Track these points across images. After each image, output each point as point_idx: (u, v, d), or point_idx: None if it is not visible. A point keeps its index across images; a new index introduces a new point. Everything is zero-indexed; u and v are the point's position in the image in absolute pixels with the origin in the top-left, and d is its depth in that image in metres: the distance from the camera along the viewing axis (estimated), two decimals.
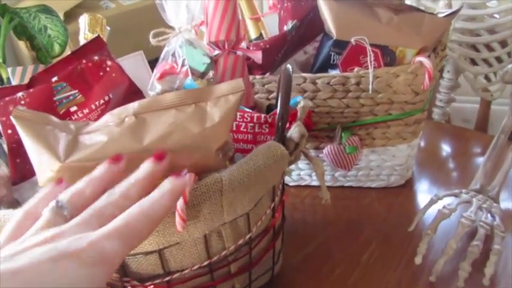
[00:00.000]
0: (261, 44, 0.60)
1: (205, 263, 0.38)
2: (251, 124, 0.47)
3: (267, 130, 0.47)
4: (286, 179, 0.65)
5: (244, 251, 0.41)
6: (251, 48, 0.60)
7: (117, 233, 0.26)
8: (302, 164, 0.66)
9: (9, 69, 0.53)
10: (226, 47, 0.48)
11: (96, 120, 0.37)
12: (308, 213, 0.63)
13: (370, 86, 0.54)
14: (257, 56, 0.51)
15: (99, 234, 0.25)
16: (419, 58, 0.54)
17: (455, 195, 0.55)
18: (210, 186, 0.34)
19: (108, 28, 0.57)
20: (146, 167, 0.30)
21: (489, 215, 0.52)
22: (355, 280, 0.50)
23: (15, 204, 0.41)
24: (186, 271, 0.38)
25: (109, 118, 0.35)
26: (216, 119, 0.35)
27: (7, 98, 0.42)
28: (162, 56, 0.50)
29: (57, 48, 0.67)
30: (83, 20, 0.55)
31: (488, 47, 0.82)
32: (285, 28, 0.62)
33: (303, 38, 0.64)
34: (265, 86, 0.58)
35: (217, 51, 0.49)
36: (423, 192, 0.65)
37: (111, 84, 0.44)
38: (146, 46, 0.51)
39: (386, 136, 0.61)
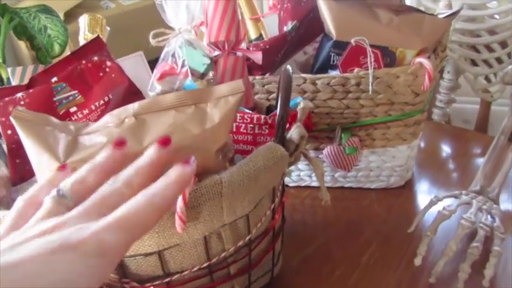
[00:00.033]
0: (261, 44, 0.60)
1: (205, 264, 0.38)
2: (251, 125, 0.47)
3: (267, 131, 0.47)
4: (286, 179, 0.65)
5: (243, 252, 0.41)
6: (251, 48, 0.60)
7: (119, 224, 0.25)
8: (302, 164, 0.65)
9: (9, 69, 0.53)
10: (226, 47, 0.48)
11: (95, 120, 0.37)
12: (308, 214, 0.63)
13: (370, 87, 0.54)
14: (257, 57, 0.50)
15: (100, 225, 0.24)
16: (420, 59, 0.54)
17: (455, 197, 0.55)
18: (209, 187, 0.34)
19: (108, 28, 0.57)
20: (151, 153, 0.29)
21: (489, 216, 0.52)
22: (355, 281, 0.50)
23: None
24: (186, 272, 0.38)
25: (109, 119, 0.35)
26: (215, 120, 0.35)
27: (7, 99, 0.42)
28: (162, 56, 0.50)
29: (57, 48, 0.67)
30: (83, 20, 0.55)
31: (488, 48, 0.82)
32: (285, 29, 0.62)
33: (302, 38, 0.64)
34: (265, 87, 0.58)
35: (217, 52, 0.49)
36: (423, 193, 0.65)
37: (111, 85, 0.44)
38: (146, 46, 0.51)
39: (386, 137, 0.61)
